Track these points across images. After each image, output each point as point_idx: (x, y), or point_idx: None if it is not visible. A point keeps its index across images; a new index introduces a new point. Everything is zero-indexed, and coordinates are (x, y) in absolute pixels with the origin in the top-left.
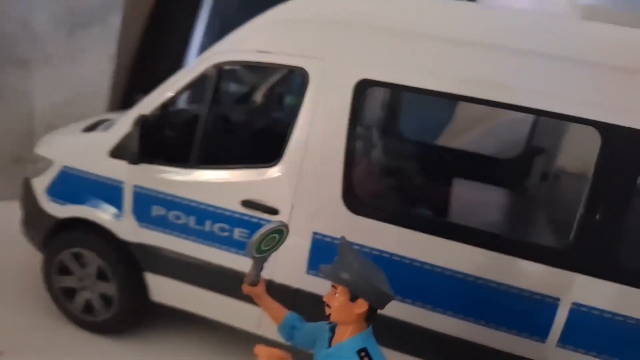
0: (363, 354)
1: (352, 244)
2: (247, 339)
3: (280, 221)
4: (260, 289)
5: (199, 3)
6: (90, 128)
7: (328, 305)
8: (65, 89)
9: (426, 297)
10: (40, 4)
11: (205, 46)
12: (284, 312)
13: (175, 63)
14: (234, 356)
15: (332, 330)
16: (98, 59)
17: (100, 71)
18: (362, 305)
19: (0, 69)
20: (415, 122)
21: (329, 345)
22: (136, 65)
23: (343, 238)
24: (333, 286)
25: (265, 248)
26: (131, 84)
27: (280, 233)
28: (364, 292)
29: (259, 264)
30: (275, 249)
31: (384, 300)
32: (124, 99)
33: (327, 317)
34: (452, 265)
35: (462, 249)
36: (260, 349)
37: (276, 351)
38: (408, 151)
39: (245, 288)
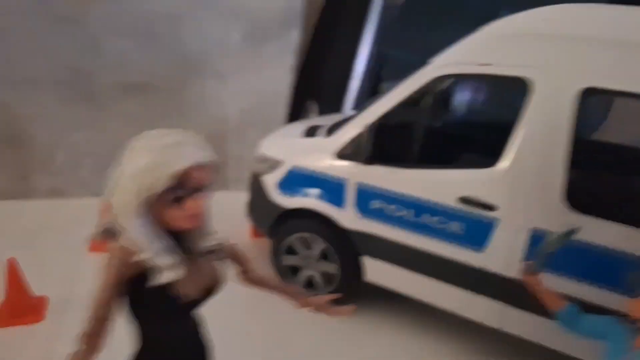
0: None
1: (572, 240)
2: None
3: (574, 225)
4: (538, 279)
5: (365, 14)
6: (309, 133)
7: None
8: (252, 97)
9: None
10: (233, 23)
11: (373, 56)
12: (562, 300)
13: (343, 72)
14: (438, 338)
15: (634, 331)
16: (279, 70)
17: (280, 81)
18: None
19: (203, 81)
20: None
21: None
22: (305, 75)
23: None
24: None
25: (556, 245)
26: (300, 92)
27: (571, 234)
28: None
29: (545, 258)
30: (559, 247)
31: None
32: (294, 106)
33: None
34: None
35: None
36: None
37: None
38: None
39: (526, 276)
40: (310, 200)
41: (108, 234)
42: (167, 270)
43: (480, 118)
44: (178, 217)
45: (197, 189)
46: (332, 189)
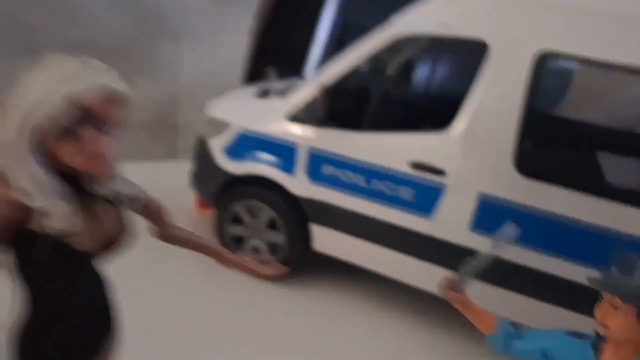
0: None
1: (521, 205)
2: (399, 289)
3: (497, 242)
4: (463, 296)
5: None
6: (263, 95)
7: (605, 326)
8: (208, 60)
9: (597, 259)
10: None
11: (337, 22)
12: (492, 317)
13: (305, 38)
14: (389, 308)
15: (594, 347)
16: (238, 33)
17: (239, 45)
18: None
19: (154, 41)
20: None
21: None
22: (265, 39)
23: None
24: (609, 301)
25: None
26: (260, 58)
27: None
28: None
29: (468, 279)
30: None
31: None
32: (253, 73)
33: (598, 337)
34: (625, 229)
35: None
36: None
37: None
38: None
39: (446, 293)
40: (259, 165)
41: None
42: (61, 218)
43: (436, 81)
44: (75, 154)
45: (101, 123)
46: (283, 154)
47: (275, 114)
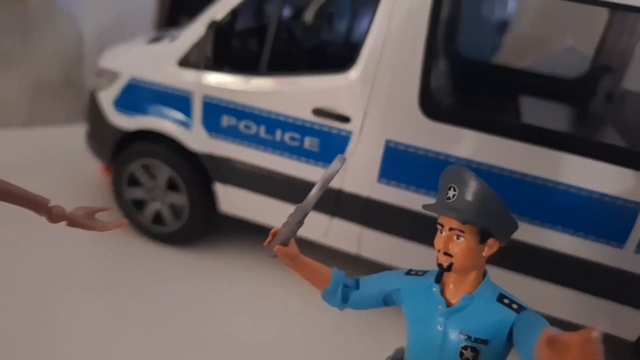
0: (506, 300)
1: (427, 150)
2: (313, 250)
3: (342, 157)
4: (294, 249)
5: None
6: (155, 40)
7: (447, 254)
8: (113, 12)
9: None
10: None
11: None
12: (327, 271)
13: None
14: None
15: (438, 280)
16: None
17: None
18: (493, 246)
19: None
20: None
21: (446, 302)
22: None
23: (458, 165)
24: (451, 228)
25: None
26: (174, 9)
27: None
28: (501, 228)
29: (303, 216)
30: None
31: (512, 233)
32: (167, 24)
33: (443, 267)
34: (531, 170)
35: (542, 153)
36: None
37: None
38: (475, 67)
39: (278, 249)
40: (151, 119)
41: None
42: None
43: (339, 19)
44: None
45: None
46: (176, 104)
47: (165, 60)
